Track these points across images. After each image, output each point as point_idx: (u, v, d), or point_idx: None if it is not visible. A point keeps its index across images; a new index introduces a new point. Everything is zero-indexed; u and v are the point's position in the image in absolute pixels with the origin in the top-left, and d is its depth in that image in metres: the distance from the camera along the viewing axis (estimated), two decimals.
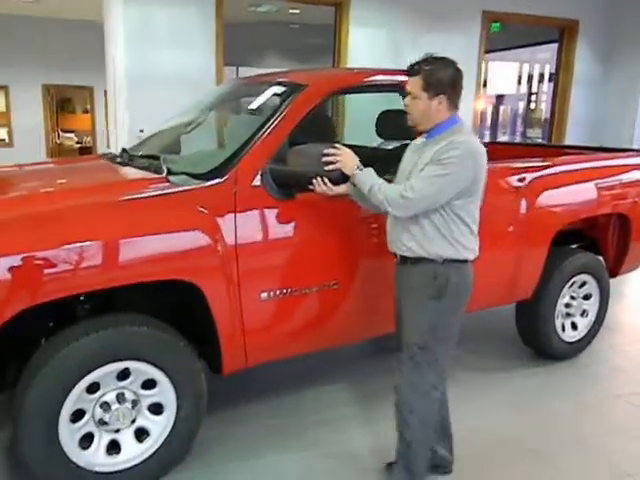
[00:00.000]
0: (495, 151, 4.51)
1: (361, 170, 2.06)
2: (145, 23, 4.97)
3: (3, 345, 1.97)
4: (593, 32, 6.92)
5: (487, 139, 11.01)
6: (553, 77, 7.28)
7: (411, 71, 1.99)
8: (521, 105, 11.75)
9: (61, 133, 11.81)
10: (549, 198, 3.00)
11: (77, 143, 11.93)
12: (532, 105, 11.42)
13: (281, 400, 2.87)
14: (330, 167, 2.11)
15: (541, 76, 10.71)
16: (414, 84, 1.98)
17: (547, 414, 2.81)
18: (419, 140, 2.12)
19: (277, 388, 2.98)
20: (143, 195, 2.15)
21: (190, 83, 4.84)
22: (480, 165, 1.97)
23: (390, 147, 3.20)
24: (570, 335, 3.32)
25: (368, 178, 2.04)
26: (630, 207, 3.37)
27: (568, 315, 3.32)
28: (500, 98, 12.29)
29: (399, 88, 2.71)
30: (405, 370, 2.07)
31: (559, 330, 3.25)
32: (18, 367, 2.01)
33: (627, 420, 2.81)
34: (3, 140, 10.30)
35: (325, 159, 2.11)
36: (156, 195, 2.14)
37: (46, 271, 1.84)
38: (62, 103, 11.84)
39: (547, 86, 9.75)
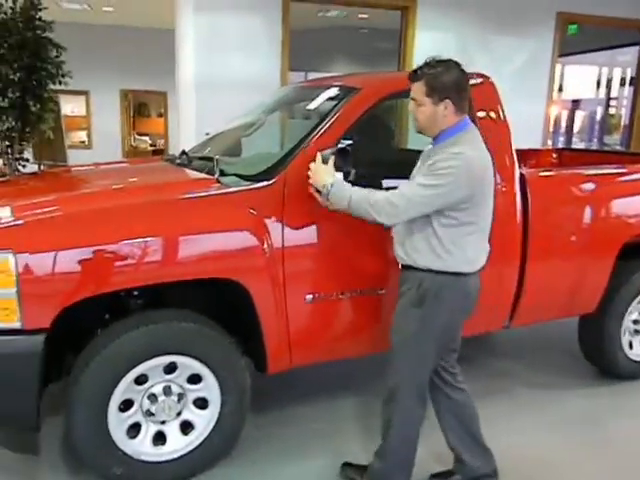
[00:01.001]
0: (567, 158, 4.37)
1: (332, 186, 1.96)
2: (214, 30, 5.14)
3: (63, 336, 2.10)
4: None
5: (560, 145, 10.53)
6: (634, 81, 6.87)
7: (413, 77, 1.93)
8: (599, 110, 11.16)
9: (136, 136, 12.42)
10: (617, 207, 2.84)
11: (151, 146, 12.50)
12: (611, 110, 10.82)
13: (329, 404, 2.87)
14: (310, 180, 2.07)
15: (622, 80, 10.13)
16: (417, 90, 1.91)
17: (600, 440, 2.64)
18: (429, 146, 2.06)
19: (325, 391, 2.99)
20: (192, 195, 2.22)
21: (255, 88, 4.94)
22: (479, 178, 1.87)
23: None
24: (638, 353, 3.11)
25: (341, 192, 1.95)
26: None
27: (637, 332, 3.12)
28: (576, 103, 11.73)
29: None
30: (388, 379, 2.07)
31: (626, 347, 3.06)
32: (74, 357, 2.12)
33: None
34: (83, 142, 10.97)
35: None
36: (205, 195, 2.20)
37: (107, 264, 1.95)
38: (138, 107, 12.45)
39: (627, 90, 9.21)
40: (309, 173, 2.07)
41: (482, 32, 5.88)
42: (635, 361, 3.11)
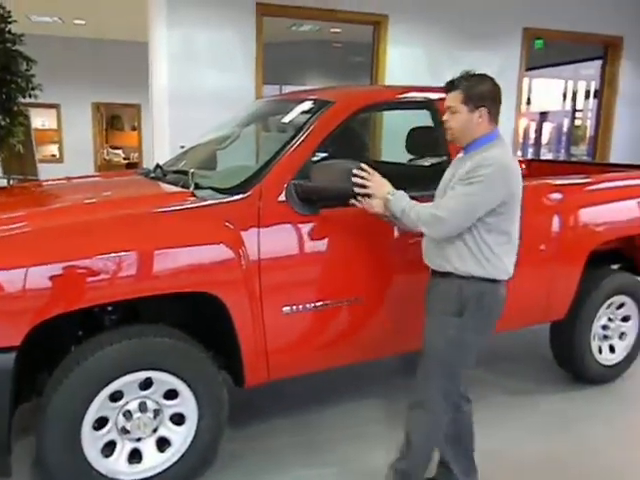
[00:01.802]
0: (536, 169, 4.48)
1: (393, 195, 2.06)
2: (187, 44, 5.15)
3: (35, 354, 2.05)
4: (638, 48, 6.73)
5: (529, 156, 10.78)
6: (597, 94, 7.10)
7: (450, 86, 2.00)
8: (566, 122, 11.47)
9: (109, 150, 12.28)
10: (584, 216, 2.92)
11: (124, 159, 12.37)
12: (577, 122, 11.13)
13: (307, 416, 2.87)
14: (361, 191, 2.12)
15: (587, 93, 10.44)
16: (454, 98, 1.98)
17: (577, 441, 2.70)
18: (459, 155, 2.12)
19: (303, 403, 2.99)
20: (167, 209, 2.20)
21: (230, 101, 4.95)
22: (513, 182, 1.94)
23: (427, 164, 3.20)
24: (608, 358, 3.20)
25: (400, 202, 2.04)
26: None
27: (605, 337, 3.20)
28: (544, 115, 12.04)
29: (428, 105, 2.72)
30: (418, 386, 2.06)
31: (595, 352, 3.13)
32: (47, 376, 2.07)
33: None
34: (54, 156, 10.80)
35: (355, 180, 2.12)
36: (180, 209, 2.19)
37: (79, 280, 1.92)
38: (111, 120, 12.33)
39: (592, 103, 9.51)
40: (367, 183, 2.11)
41: (451, 47, 6.02)
42: (605, 365, 3.19)
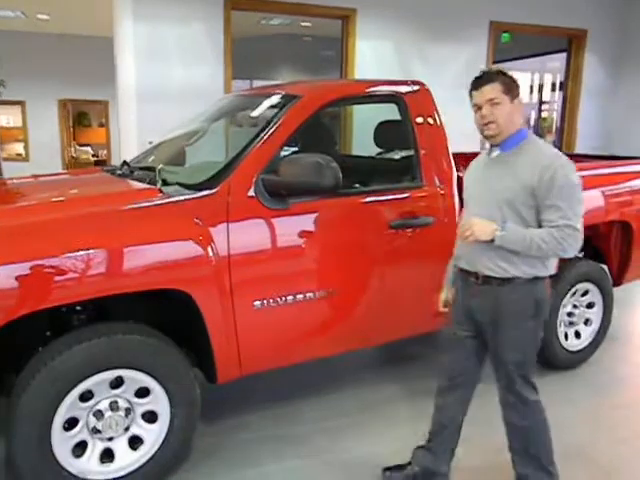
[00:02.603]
0: None
1: (502, 232, 1.90)
2: (154, 39, 5.07)
3: (2, 355, 2.02)
4: (602, 41, 6.89)
5: None
6: (563, 86, 7.25)
7: (486, 78, 1.95)
8: (533, 114, 11.69)
9: (77, 147, 12.03)
10: None
11: (93, 156, 12.14)
12: (544, 114, 11.35)
13: (281, 408, 2.88)
14: (470, 239, 1.95)
15: (553, 85, 10.65)
16: (494, 89, 1.93)
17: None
18: (493, 153, 2.04)
19: (278, 396, 3.00)
20: (134, 206, 2.18)
21: (199, 96, 4.90)
22: None
23: (396, 157, 3.23)
24: (573, 344, 3.28)
25: (518, 236, 1.89)
26: (634, 215, 3.33)
27: (571, 324, 3.28)
28: None
29: (396, 99, 2.75)
30: (509, 392, 2.09)
31: (562, 339, 3.21)
32: (15, 377, 2.04)
33: (627, 430, 2.76)
34: (20, 154, 10.54)
35: (460, 234, 2.01)
36: (147, 206, 2.17)
37: (46, 279, 1.89)
38: (78, 117, 12.08)
39: (558, 95, 9.70)
40: (469, 230, 1.94)
41: (419, 41, 6.07)
42: (571, 351, 3.28)
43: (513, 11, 6.35)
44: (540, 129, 10.83)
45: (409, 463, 2.31)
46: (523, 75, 11.20)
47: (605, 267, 3.42)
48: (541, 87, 10.64)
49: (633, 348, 3.83)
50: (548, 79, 10.70)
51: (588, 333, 3.33)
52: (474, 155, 4.65)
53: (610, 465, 2.46)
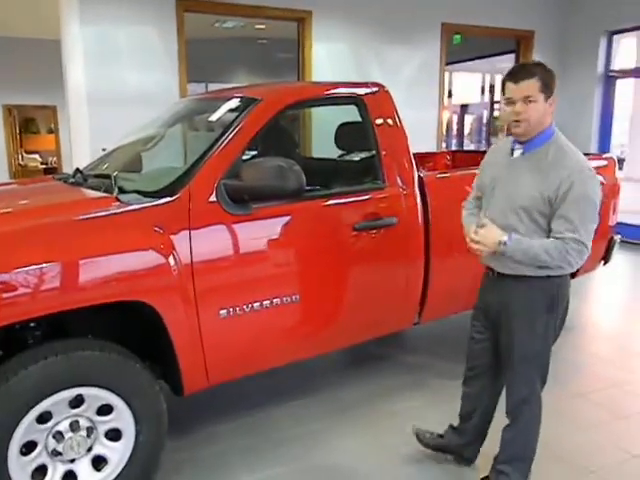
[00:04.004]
0: (460, 159, 4.64)
1: (505, 246, 1.89)
2: (103, 42, 4.93)
3: None
4: (547, 42, 7.14)
5: (454, 147, 11.18)
6: None
7: (526, 72, 1.88)
8: (485, 114, 11.98)
9: (25, 154, 11.58)
10: None
11: (42, 164, 11.72)
12: (496, 113, 11.66)
13: (252, 417, 2.83)
14: (477, 250, 1.99)
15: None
16: (531, 87, 1.86)
17: (501, 412, 2.80)
18: (516, 152, 2.00)
19: (247, 405, 2.94)
20: (89, 215, 2.08)
21: (153, 100, 4.79)
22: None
23: (357, 159, 3.22)
24: None
25: (523, 248, 1.88)
26: None
27: None
28: (465, 107, 12.51)
29: (356, 100, 2.75)
30: (515, 391, 2.11)
31: None
32: None
33: (588, 418, 2.84)
34: None
35: (469, 246, 2.02)
36: (103, 215, 2.08)
37: None
38: (25, 123, 11.63)
39: None
40: (476, 238, 1.95)
41: (375, 43, 6.13)
42: None
43: (464, 13, 6.49)
44: (493, 128, 11.11)
45: (442, 435, 2.40)
46: (474, 76, 11.49)
47: None
48: (492, 87, 10.92)
49: (589, 337, 3.97)
50: (499, 79, 10.99)
51: None
52: (431, 155, 4.75)
53: (572, 455, 2.52)
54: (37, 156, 11.73)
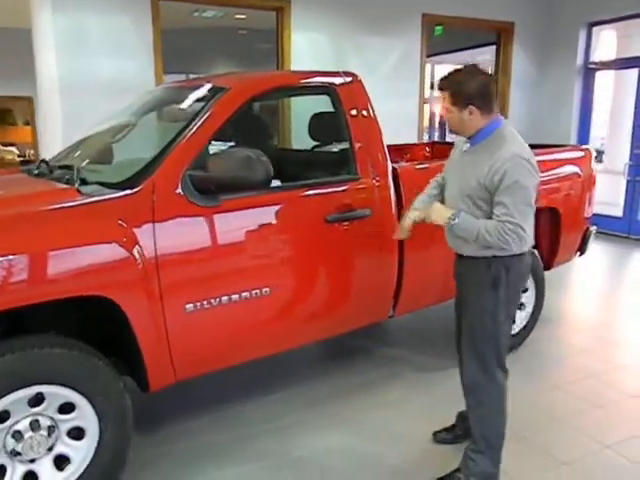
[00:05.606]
0: (439, 150, 4.61)
1: (454, 221, 2.05)
2: (76, 31, 4.80)
3: None
4: (528, 34, 7.14)
5: (436, 139, 11.17)
6: None
7: (440, 84, 2.06)
8: None
9: (1, 147, 11.33)
10: None
11: (19, 157, 11.48)
12: None
13: (223, 411, 2.79)
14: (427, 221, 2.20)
15: None
16: (445, 99, 2.05)
17: None
18: (465, 146, 2.17)
19: (219, 399, 2.90)
20: (47, 207, 2.01)
21: (129, 91, 4.66)
22: (536, 169, 2.02)
23: (331, 150, 3.18)
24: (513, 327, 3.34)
25: (468, 226, 2.04)
26: (562, 201, 3.44)
27: None
28: None
29: (328, 90, 2.70)
30: (467, 359, 2.19)
31: None
32: None
33: (565, 410, 2.84)
34: None
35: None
36: (62, 207, 2.01)
37: None
38: (2, 115, 11.37)
39: None
40: (427, 213, 2.18)
41: (354, 33, 6.06)
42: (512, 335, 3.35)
43: (445, 4, 6.44)
44: None
45: (454, 425, 2.51)
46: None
47: (536, 252, 3.52)
48: None
49: (566, 329, 3.98)
50: None
51: (522, 317, 3.41)
52: (410, 147, 4.72)
53: (547, 446, 2.52)
54: (14, 148, 11.49)
